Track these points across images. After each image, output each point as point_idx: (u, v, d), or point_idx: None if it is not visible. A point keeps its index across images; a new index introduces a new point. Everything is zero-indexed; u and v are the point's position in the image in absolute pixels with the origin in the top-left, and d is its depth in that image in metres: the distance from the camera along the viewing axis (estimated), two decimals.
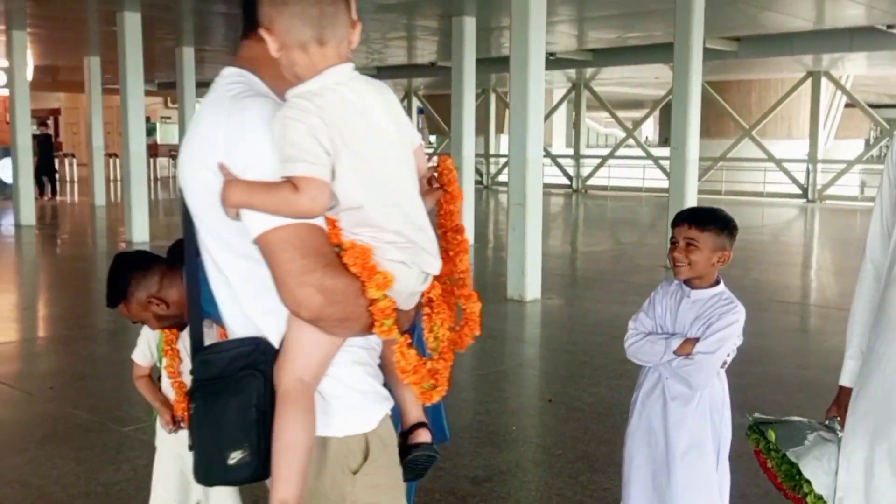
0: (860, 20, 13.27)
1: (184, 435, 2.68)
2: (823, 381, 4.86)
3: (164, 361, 2.73)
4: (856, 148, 23.86)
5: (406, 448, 1.65)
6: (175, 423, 2.69)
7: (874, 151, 22.25)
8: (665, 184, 13.22)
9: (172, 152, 29.48)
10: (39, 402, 5.08)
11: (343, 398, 1.51)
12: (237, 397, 1.47)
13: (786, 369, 5.84)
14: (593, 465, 4.00)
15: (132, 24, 12.36)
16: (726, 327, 2.47)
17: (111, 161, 24.02)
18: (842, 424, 2.20)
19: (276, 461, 1.45)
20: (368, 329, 1.46)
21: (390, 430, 1.59)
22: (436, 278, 1.55)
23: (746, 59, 16.91)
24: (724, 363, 2.56)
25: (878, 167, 18.35)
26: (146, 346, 2.73)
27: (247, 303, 1.51)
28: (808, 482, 2.17)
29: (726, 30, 14.84)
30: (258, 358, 1.48)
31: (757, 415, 2.45)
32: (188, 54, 16.77)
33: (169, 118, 34.66)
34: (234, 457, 1.47)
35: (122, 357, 6.28)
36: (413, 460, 1.66)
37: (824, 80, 20.53)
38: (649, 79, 22.63)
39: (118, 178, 24.64)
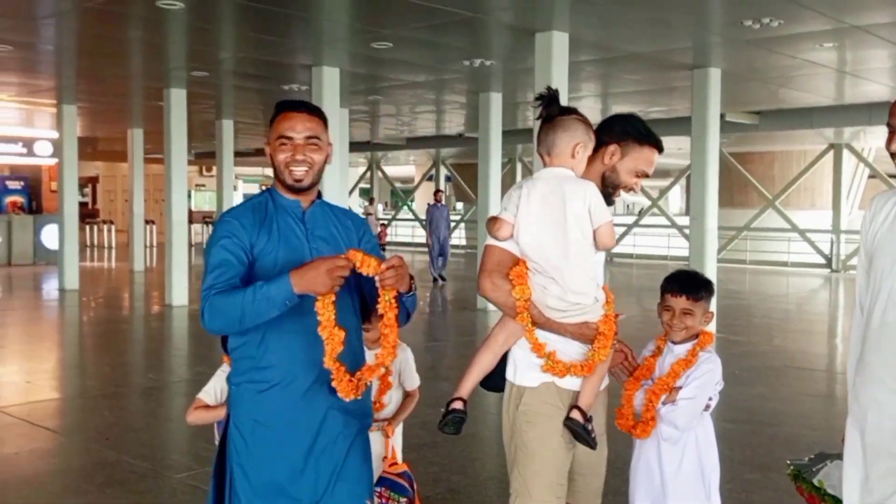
0: (881, 96, 13.65)
1: None
2: (830, 440, 5.14)
3: None
4: None
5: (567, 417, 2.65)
6: None
7: None
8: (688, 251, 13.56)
9: (206, 219, 30.34)
10: (97, 451, 5.48)
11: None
12: None
13: (795, 430, 6.12)
14: None
15: (178, 99, 13.08)
16: (703, 375, 2.89)
17: (147, 227, 24.77)
18: None
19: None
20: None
21: (549, 394, 2.65)
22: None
23: (767, 131, 17.34)
24: (708, 406, 2.95)
25: None
26: (214, 390, 3.10)
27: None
28: None
29: (747, 104, 15.32)
30: None
31: (792, 463, 2.90)
32: (227, 126, 17.54)
33: (203, 186, 35.70)
34: None
35: (167, 412, 6.73)
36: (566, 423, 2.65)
37: (846, 152, 20.88)
38: (673, 149, 23.11)
39: (153, 244, 25.44)
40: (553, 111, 2.71)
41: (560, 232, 2.58)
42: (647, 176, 2.83)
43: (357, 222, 2.65)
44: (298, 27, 9.12)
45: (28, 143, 21.05)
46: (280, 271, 2.35)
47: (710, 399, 2.92)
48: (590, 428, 2.63)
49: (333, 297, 2.32)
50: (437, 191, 19.19)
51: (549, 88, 2.74)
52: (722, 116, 12.07)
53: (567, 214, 2.57)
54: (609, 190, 2.80)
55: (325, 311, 2.33)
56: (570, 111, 2.72)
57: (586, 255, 2.61)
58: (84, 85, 13.55)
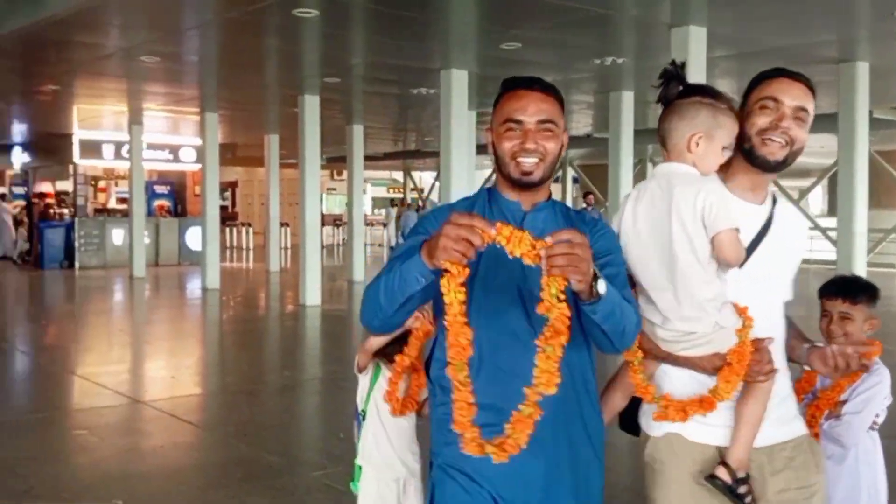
0: None
1: (390, 460, 2.98)
2: None
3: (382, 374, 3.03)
4: None
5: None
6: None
7: None
8: (834, 255, 12.88)
9: (337, 221, 31.17)
10: (235, 446, 5.66)
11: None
12: None
13: None
14: None
15: (311, 106, 13.44)
16: (870, 388, 2.69)
17: (282, 230, 25.54)
18: None
19: None
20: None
21: (675, 447, 2.17)
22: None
23: None
24: (875, 423, 2.74)
25: None
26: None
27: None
28: None
29: (895, 100, 14.48)
30: None
31: None
32: (358, 131, 17.89)
33: (334, 189, 36.66)
34: None
35: (302, 409, 6.88)
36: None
37: None
38: (814, 147, 22.06)
39: (288, 245, 26.26)
40: (671, 92, 2.15)
41: (665, 244, 2.05)
42: (776, 100, 2.10)
43: (591, 226, 2.07)
44: (428, 31, 9.19)
45: (174, 150, 22.15)
46: (475, 286, 1.95)
47: (877, 416, 2.72)
48: (741, 491, 2.08)
49: (462, 277, 1.75)
50: (587, 193, 18.97)
51: (672, 63, 2.19)
52: (869, 113, 11.42)
53: (672, 222, 2.03)
54: (763, 158, 2.12)
55: (448, 293, 1.76)
56: (695, 91, 2.13)
57: (695, 272, 2.04)
58: (225, 93, 14.13)
